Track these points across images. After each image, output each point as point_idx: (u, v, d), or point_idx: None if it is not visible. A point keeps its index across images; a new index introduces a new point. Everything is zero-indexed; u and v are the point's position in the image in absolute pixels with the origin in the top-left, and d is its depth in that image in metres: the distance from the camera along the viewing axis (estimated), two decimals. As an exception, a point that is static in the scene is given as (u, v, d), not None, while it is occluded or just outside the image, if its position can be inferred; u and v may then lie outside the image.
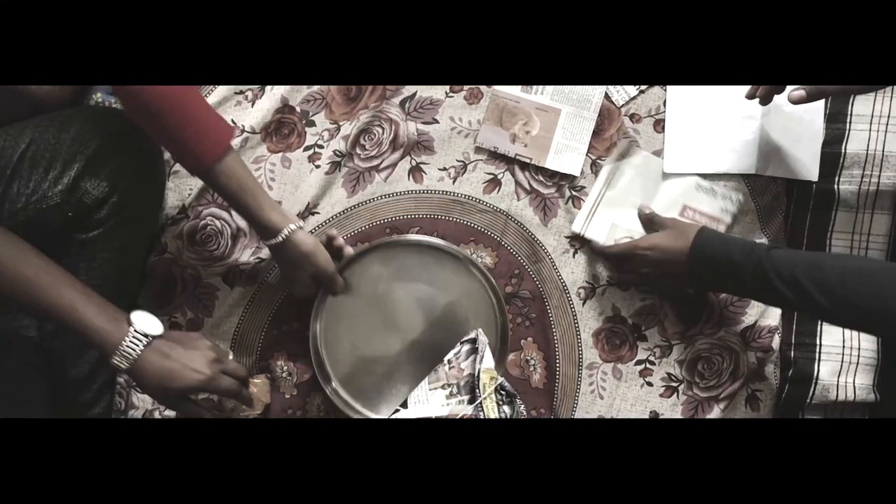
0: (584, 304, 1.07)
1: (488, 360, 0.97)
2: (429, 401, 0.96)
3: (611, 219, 1.06)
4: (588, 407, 1.07)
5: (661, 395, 1.07)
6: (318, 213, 1.05)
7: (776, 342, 1.08)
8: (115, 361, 0.79)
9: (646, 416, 1.07)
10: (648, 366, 1.07)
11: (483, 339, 0.98)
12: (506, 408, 0.95)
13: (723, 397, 1.07)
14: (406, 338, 1.03)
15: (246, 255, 1.03)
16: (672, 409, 1.07)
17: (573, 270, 1.07)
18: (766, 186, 1.07)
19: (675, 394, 1.07)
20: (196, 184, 1.02)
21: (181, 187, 1.02)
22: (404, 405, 0.98)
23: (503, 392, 0.96)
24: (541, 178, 1.07)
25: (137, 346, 0.79)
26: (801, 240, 1.09)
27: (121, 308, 0.82)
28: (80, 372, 0.96)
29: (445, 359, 0.99)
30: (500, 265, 1.06)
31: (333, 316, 1.02)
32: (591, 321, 1.07)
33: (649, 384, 1.07)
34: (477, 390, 0.94)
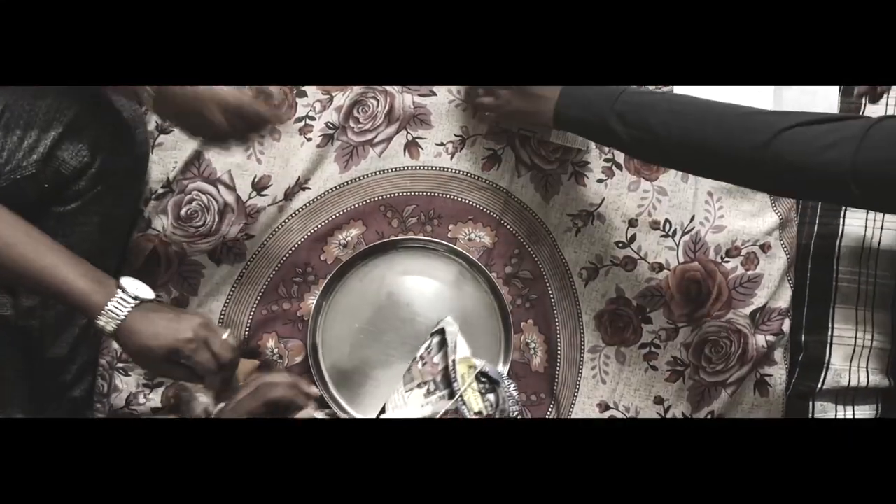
0: (586, 284, 1.03)
1: (463, 349, 0.92)
2: (406, 403, 0.91)
3: None
4: (590, 392, 1.04)
5: (666, 380, 1.03)
6: (308, 188, 1.01)
7: (786, 325, 1.05)
8: (101, 323, 0.76)
9: (650, 401, 1.04)
10: (653, 349, 1.03)
11: (452, 328, 0.94)
12: (490, 396, 0.91)
13: (730, 382, 1.03)
14: (406, 342, 1.00)
15: (233, 231, 0.99)
16: (678, 395, 1.04)
17: (576, 250, 1.03)
18: (778, 163, 1.03)
19: (681, 378, 1.04)
20: (181, 156, 0.97)
21: (165, 160, 0.97)
22: (382, 412, 0.93)
23: (485, 379, 0.91)
24: (543, 154, 1.02)
25: (125, 307, 0.76)
26: (815, 217, 1.06)
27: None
28: (59, 351, 0.93)
29: (417, 355, 0.94)
30: (499, 244, 1.03)
31: (334, 315, 1.00)
32: (593, 303, 1.03)
33: (654, 368, 1.03)
34: (455, 383, 0.89)
